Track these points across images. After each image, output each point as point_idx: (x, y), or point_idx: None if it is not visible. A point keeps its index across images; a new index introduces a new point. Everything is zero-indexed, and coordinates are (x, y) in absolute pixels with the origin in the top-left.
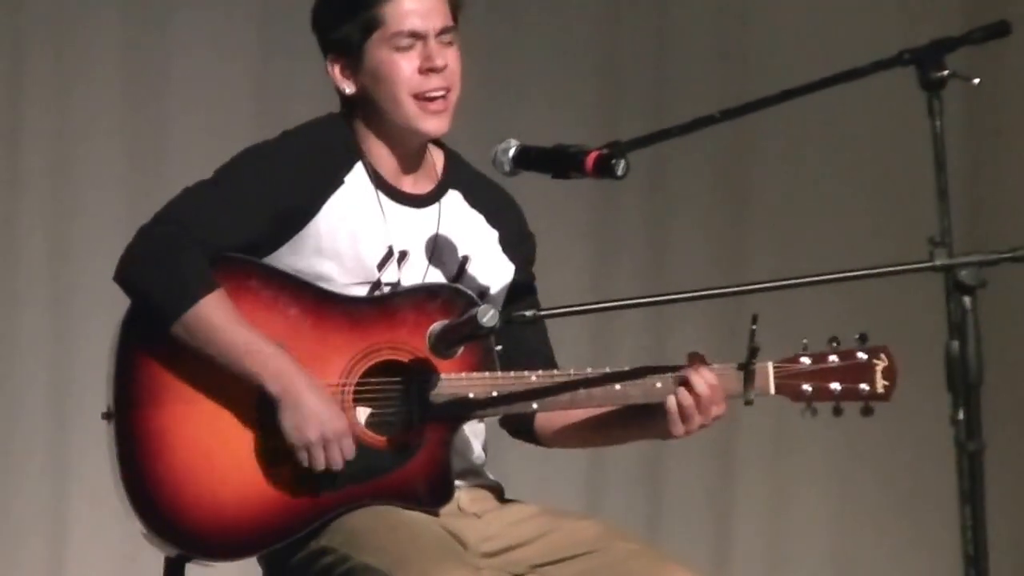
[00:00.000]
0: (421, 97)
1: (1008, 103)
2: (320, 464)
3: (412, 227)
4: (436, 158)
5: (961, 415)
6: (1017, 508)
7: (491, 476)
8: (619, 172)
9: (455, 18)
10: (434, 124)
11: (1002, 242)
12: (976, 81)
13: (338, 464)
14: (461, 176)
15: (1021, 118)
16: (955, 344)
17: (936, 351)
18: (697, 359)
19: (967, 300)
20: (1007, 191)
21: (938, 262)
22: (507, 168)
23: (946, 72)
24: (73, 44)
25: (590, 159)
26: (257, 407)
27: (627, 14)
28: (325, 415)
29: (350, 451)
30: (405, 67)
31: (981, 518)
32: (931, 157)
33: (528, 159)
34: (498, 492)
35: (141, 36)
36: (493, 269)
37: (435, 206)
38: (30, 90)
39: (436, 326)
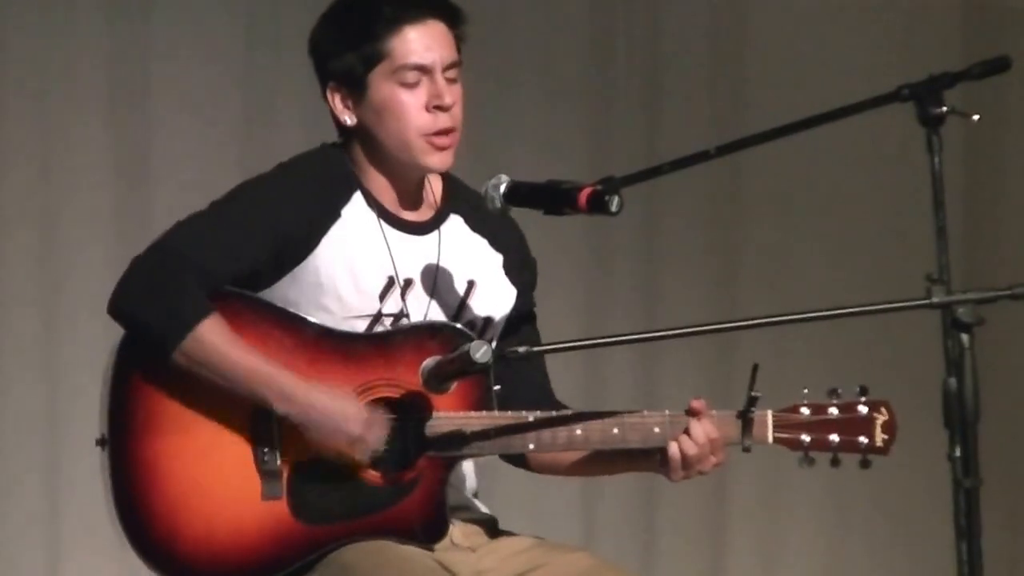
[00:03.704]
0: (428, 134)
1: (1007, 138)
2: (365, 460)
3: (415, 255)
4: (435, 184)
5: (958, 452)
6: (1013, 545)
7: (485, 509)
8: (613, 208)
9: (459, 52)
10: (439, 160)
11: (999, 279)
12: (976, 117)
13: (381, 445)
14: (461, 200)
15: (1020, 154)
16: (952, 381)
17: (933, 388)
18: (698, 405)
19: (965, 338)
20: (1005, 228)
21: (936, 299)
22: (498, 204)
23: (945, 108)
24: (56, 45)
25: (583, 195)
26: (253, 437)
27: (620, 49)
28: (342, 413)
29: (382, 427)
30: (411, 104)
31: (977, 554)
32: (928, 193)
33: (520, 195)
34: (491, 525)
35: (125, 34)
36: (497, 295)
37: (435, 233)
38: (13, 96)
39: (429, 361)
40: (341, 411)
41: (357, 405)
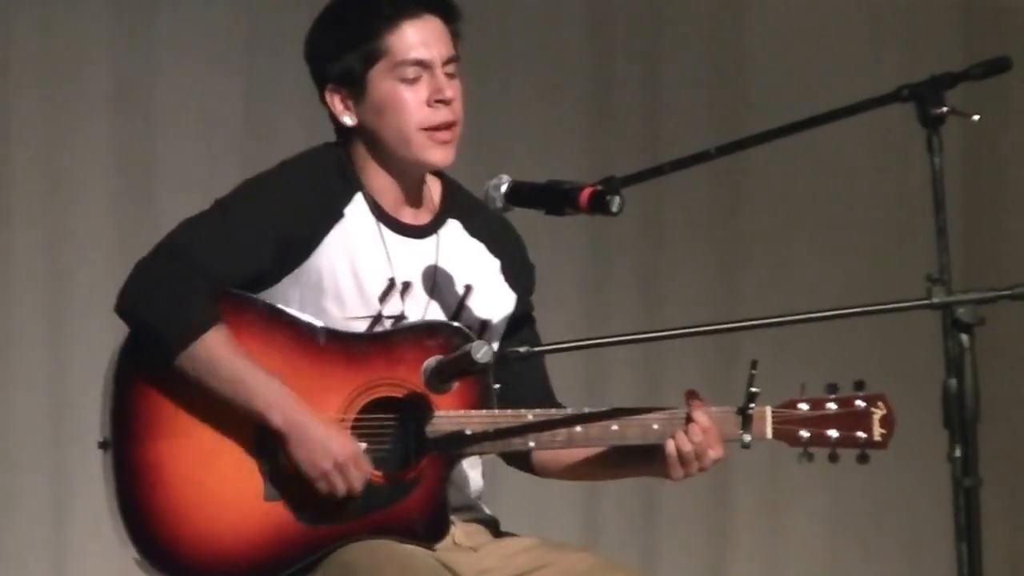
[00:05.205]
0: (429, 129)
1: (1007, 138)
2: (341, 490)
3: (413, 258)
4: (434, 188)
5: (958, 452)
6: (1014, 544)
7: (487, 510)
8: (614, 208)
9: (456, 48)
10: (441, 155)
11: (999, 279)
12: (976, 117)
13: (358, 486)
14: (460, 205)
15: (1020, 154)
16: (952, 381)
17: (933, 388)
18: (694, 399)
19: (965, 338)
20: (1005, 228)
21: (936, 300)
22: (499, 204)
23: (945, 108)
24: (62, 48)
25: (584, 195)
26: (255, 440)
27: (621, 50)
28: (333, 442)
29: (367, 470)
30: (412, 100)
31: (977, 554)
32: (929, 193)
33: (521, 195)
34: (493, 526)
35: (130, 36)
36: (495, 299)
37: (433, 237)
38: (17, 90)
39: (431, 361)
40: (328, 443)
41: (347, 442)
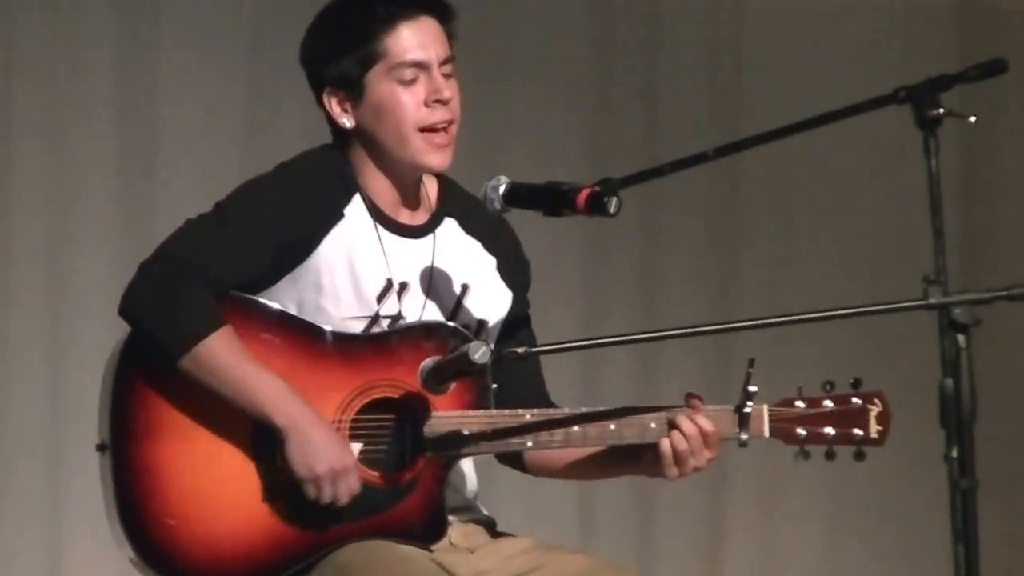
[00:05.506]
0: (427, 129)
1: (1004, 140)
2: (327, 497)
3: (410, 258)
4: (430, 187)
5: (954, 452)
6: (1010, 546)
7: (484, 510)
8: (611, 210)
9: (451, 48)
10: (438, 159)
11: (996, 280)
12: (972, 119)
13: (344, 499)
14: (456, 203)
15: (1016, 156)
16: (949, 382)
17: (930, 389)
18: (693, 401)
19: (961, 338)
20: (1002, 229)
21: (932, 300)
22: (497, 205)
23: (942, 110)
24: (65, 47)
25: (582, 196)
26: (253, 442)
27: (620, 51)
28: (333, 451)
29: (356, 486)
30: (409, 101)
31: (974, 556)
32: (926, 194)
33: (519, 196)
34: (490, 527)
35: (133, 35)
36: (491, 298)
37: (430, 236)
38: (21, 87)
39: (428, 362)
40: (326, 450)
41: (345, 453)
